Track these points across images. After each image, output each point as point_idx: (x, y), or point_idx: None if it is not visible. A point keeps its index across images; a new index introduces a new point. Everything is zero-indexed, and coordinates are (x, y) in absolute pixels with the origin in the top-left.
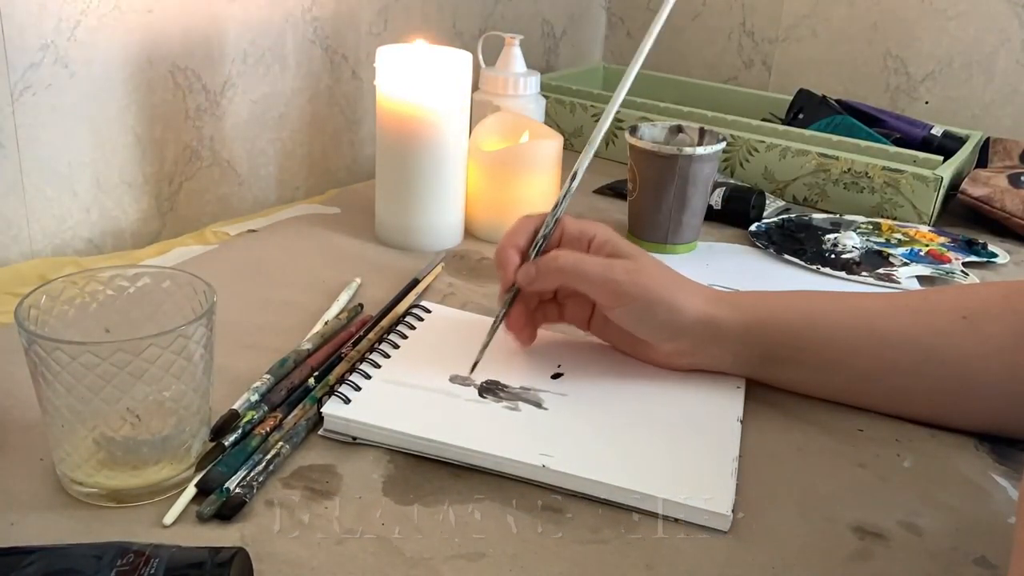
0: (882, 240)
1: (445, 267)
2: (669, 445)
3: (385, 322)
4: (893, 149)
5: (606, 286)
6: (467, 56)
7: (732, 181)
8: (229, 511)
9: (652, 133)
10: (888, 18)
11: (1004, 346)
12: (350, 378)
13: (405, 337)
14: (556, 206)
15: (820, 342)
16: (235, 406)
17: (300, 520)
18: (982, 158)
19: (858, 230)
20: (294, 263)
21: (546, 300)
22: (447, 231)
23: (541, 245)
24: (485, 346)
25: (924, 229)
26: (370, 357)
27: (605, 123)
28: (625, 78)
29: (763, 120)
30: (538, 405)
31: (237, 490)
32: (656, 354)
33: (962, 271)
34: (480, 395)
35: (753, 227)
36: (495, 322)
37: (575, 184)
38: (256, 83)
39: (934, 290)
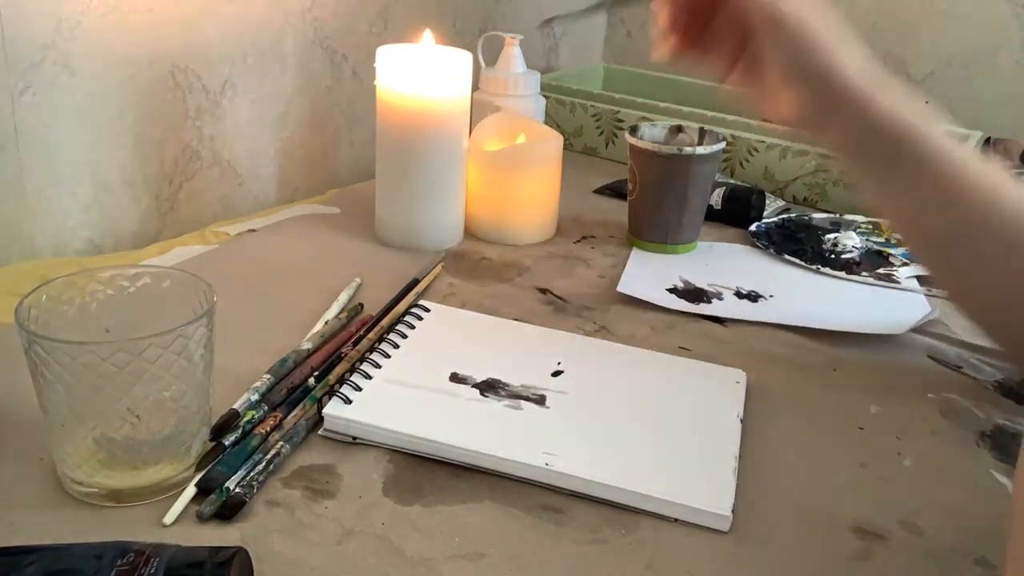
0: (882, 240)
1: (445, 267)
2: (669, 444)
3: (385, 322)
4: None
5: (769, 9)
6: (467, 56)
7: (732, 181)
8: (229, 511)
9: (652, 133)
10: (888, 18)
11: None
12: (350, 378)
13: (405, 337)
14: None
15: (945, 177)
16: (235, 406)
17: (300, 520)
18: None
19: (858, 230)
20: (294, 263)
21: (700, 28)
22: (447, 231)
23: None
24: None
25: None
26: (370, 357)
27: None
28: None
29: (763, 120)
30: (540, 402)
31: (237, 490)
32: (789, 105)
33: None
34: (481, 394)
35: (753, 227)
36: None
37: None
38: (256, 83)
39: None
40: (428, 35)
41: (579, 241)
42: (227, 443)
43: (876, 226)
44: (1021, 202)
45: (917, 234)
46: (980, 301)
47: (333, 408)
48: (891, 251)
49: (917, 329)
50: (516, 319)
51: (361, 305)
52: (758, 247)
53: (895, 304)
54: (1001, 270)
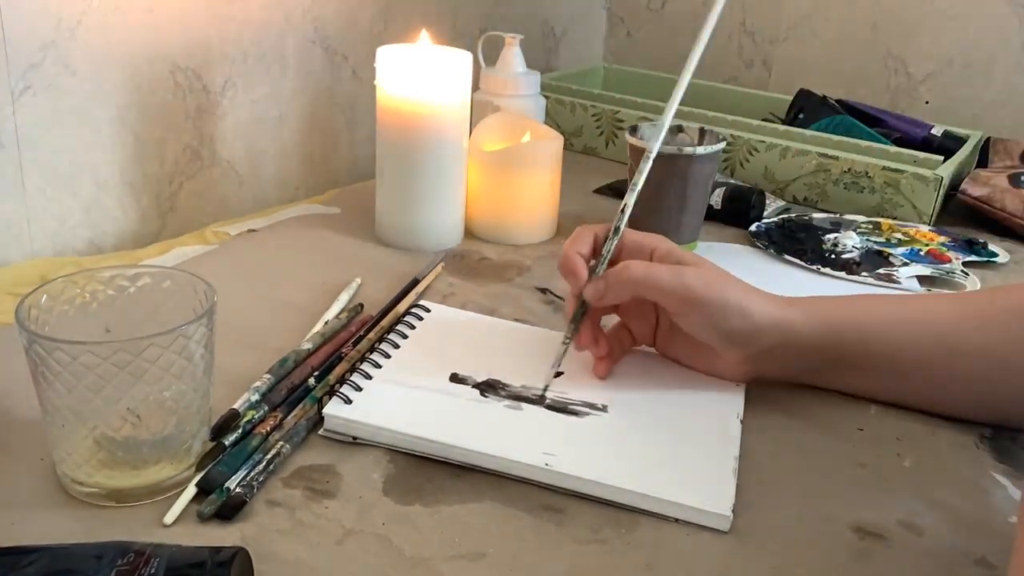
0: (882, 240)
1: (445, 267)
2: (670, 445)
3: (385, 322)
4: (893, 149)
5: (679, 292)
6: (467, 56)
7: (732, 181)
8: (229, 511)
9: (652, 133)
10: (888, 18)
11: None
12: (351, 378)
13: (405, 337)
14: (622, 211)
15: (893, 350)
16: (235, 406)
17: (300, 520)
18: (982, 158)
19: (858, 230)
20: (294, 263)
21: (618, 327)
22: (447, 231)
23: (606, 258)
24: (556, 364)
25: (924, 229)
26: (370, 357)
27: (667, 118)
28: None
29: (763, 120)
30: (541, 402)
31: (237, 490)
32: (723, 364)
33: (962, 271)
34: (481, 394)
35: (753, 227)
36: (565, 340)
37: (637, 191)
38: (256, 83)
39: (1001, 291)
40: (425, 35)
41: None
42: (227, 443)
43: (876, 226)
44: (955, 327)
45: (883, 397)
46: (959, 410)
47: (333, 408)
48: (891, 251)
49: None
50: (516, 319)
51: (361, 305)
52: (758, 247)
53: None
54: (983, 381)
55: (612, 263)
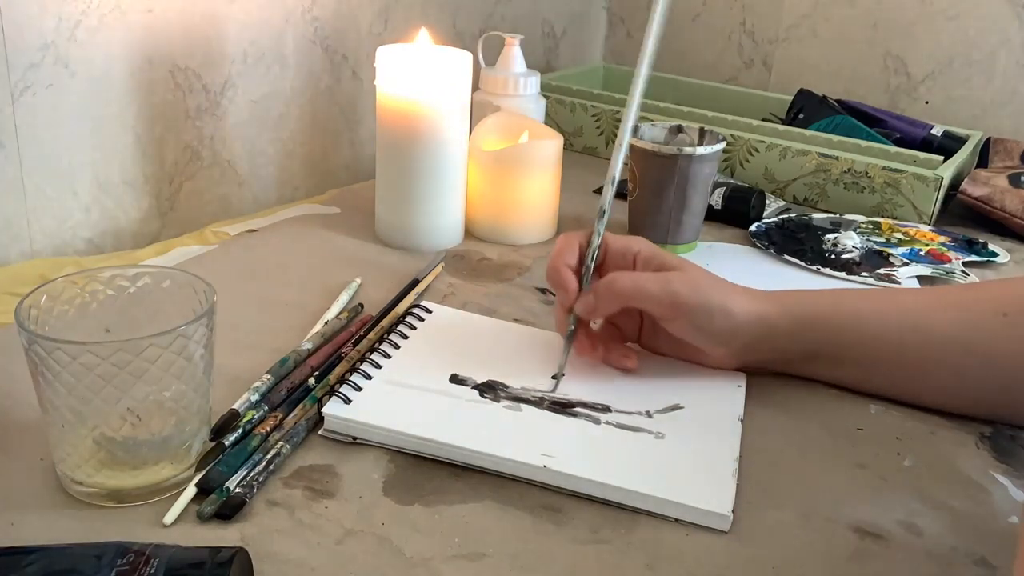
0: (882, 240)
1: (445, 267)
2: (669, 445)
3: (385, 322)
4: (893, 149)
5: (666, 300)
6: (467, 56)
7: (732, 181)
8: (229, 511)
9: (652, 133)
10: (888, 18)
11: None
12: (350, 378)
13: (406, 337)
14: (600, 216)
15: (867, 340)
16: (235, 406)
17: (300, 520)
18: (982, 158)
19: (858, 230)
20: (294, 263)
21: (605, 323)
22: (447, 231)
23: (591, 268)
24: (559, 372)
25: (924, 229)
26: (370, 357)
27: (628, 123)
28: (634, 81)
29: (763, 120)
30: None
31: (237, 490)
32: (708, 358)
33: (962, 271)
34: (480, 395)
35: (753, 227)
36: (565, 352)
37: (611, 193)
38: (256, 83)
39: (973, 286)
40: (424, 34)
41: None
42: (227, 443)
43: (876, 226)
44: (949, 320)
45: (864, 387)
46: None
47: (333, 408)
48: (891, 251)
49: None
50: (516, 319)
51: (361, 305)
52: (758, 247)
53: None
54: (956, 370)
55: (598, 268)
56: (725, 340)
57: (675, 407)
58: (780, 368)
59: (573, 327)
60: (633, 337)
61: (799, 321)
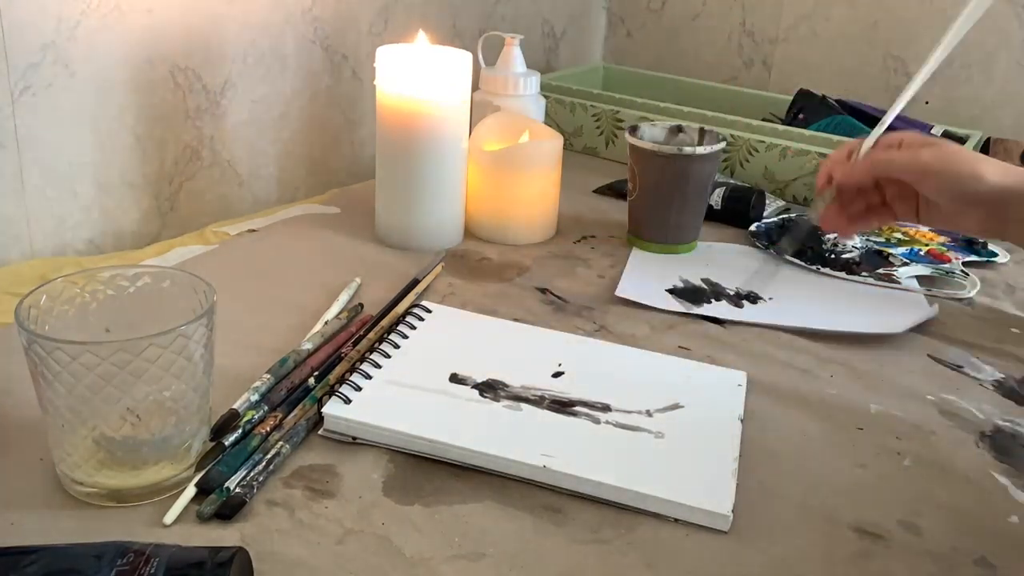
0: (882, 240)
1: (445, 267)
2: (669, 445)
3: (385, 322)
4: None
5: (915, 167)
6: (467, 56)
7: (732, 181)
8: (229, 511)
9: (652, 133)
10: (888, 18)
11: None
12: (350, 378)
13: (406, 337)
14: (881, 123)
15: None
16: (235, 406)
17: (300, 520)
18: None
19: None
20: (294, 263)
21: (877, 205)
22: (447, 231)
23: (863, 151)
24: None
25: (924, 229)
26: (370, 357)
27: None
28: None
29: (763, 120)
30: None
31: (237, 490)
32: (972, 223)
33: (962, 271)
34: (480, 395)
35: (753, 227)
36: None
37: (905, 99)
38: (256, 83)
39: None
40: (422, 36)
41: (579, 241)
42: (227, 443)
43: None
44: None
45: None
46: None
47: (333, 408)
48: (891, 251)
49: (917, 329)
50: (516, 319)
51: (361, 305)
52: (758, 247)
53: (895, 304)
54: None
55: None
56: (979, 201)
57: (675, 406)
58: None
59: (823, 200)
60: (910, 216)
61: None
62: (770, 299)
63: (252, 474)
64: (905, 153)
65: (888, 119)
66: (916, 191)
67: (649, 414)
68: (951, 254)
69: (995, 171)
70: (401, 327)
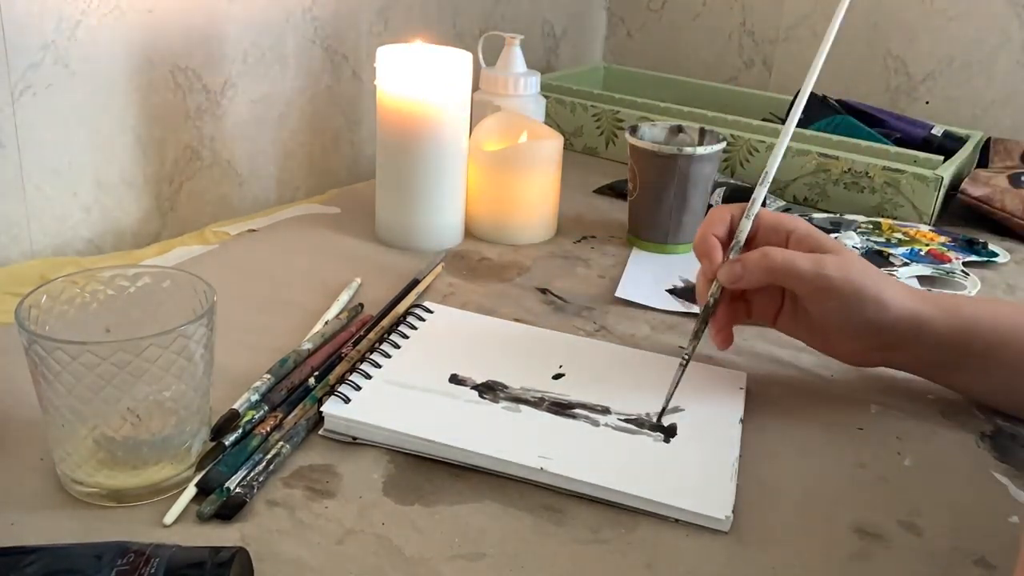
0: (882, 240)
1: (445, 267)
2: (669, 447)
3: (385, 322)
4: (893, 149)
5: (817, 282)
6: (467, 56)
7: (732, 181)
8: (229, 511)
9: (652, 133)
10: (888, 18)
11: None
12: (350, 378)
13: (406, 337)
14: (753, 201)
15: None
16: (235, 406)
17: (300, 520)
18: (983, 158)
19: (858, 230)
20: (294, 263)
21: (734, 298)
22: (447, 231)
23: (741, 243)
24: (675, 384)
25: (924, 229)
26: (370, 357)
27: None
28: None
29: (763, 120)
30: (552, 408)
31: (237, 490)
32: (849, 350)
33: (962, 271)
34: (480, 395)
35: None
36: (700, 322)
37: (770, 177)
38: (256, 83)
39: None
40: (419, 42)
41: (579, 241)
42: (227, 443)
43: (876, 226)
44: None
45: (994, 403)
46: None
47: (333, 408)
48: (891, 251)
49: None
50: (516, 319)
51: (361, 305)
52: None
53: None
54: None
55: (747, 243)
56: (872, 332)
57: (675, 408)
58: (915, 372)
59: (712, 300)
60: (768, 318)
61: (957, 325)
62: None
63: (252, 474)
64: (808, 261)
65: (761, 196)
66: (783, 291)
67: (649, 416)
68: (951, 254)
69: (898, 298)
70: (401, 327)
